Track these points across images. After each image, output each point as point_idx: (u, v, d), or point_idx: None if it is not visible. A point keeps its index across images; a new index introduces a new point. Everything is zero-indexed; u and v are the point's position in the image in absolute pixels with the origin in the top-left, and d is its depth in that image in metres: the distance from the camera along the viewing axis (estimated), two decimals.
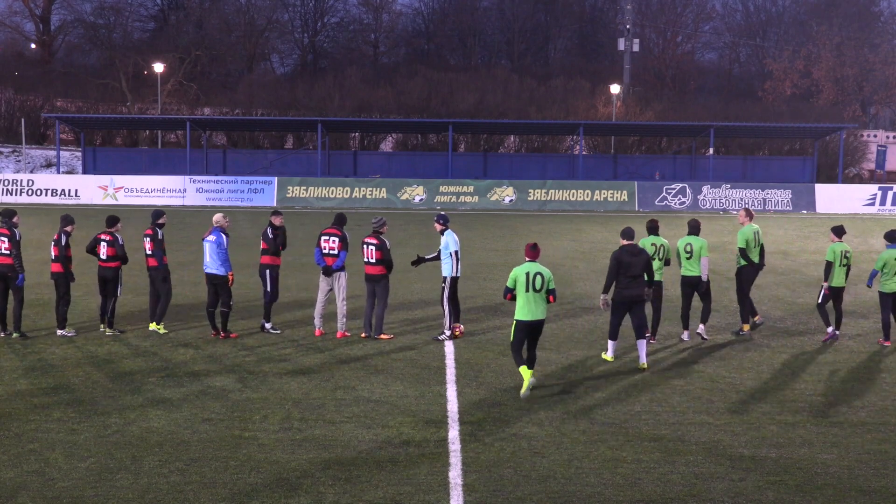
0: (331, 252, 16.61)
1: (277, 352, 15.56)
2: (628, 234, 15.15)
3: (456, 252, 16.38)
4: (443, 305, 16.56)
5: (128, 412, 12.11)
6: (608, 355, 15.45)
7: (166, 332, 16.94)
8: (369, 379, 13.87)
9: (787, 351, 16.13)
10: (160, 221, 17.04)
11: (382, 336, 16.66)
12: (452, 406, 12.53)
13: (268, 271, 17.09)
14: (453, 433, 11.41)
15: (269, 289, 17.09)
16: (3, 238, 16.34)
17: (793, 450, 11.04)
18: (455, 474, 10.10)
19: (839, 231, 17.37)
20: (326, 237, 16.65)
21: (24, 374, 13.98)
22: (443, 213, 17.24)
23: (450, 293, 16.50)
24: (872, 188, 50.93)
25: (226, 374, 14.05)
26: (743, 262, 17.24)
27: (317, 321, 17.00)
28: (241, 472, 10.10)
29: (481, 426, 11.69)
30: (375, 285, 16.59)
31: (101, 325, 17.03)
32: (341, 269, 16.69)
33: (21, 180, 50.43)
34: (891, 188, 50.11)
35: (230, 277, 16.67)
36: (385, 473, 10.09)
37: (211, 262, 16.67)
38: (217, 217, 17.01)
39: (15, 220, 16.69)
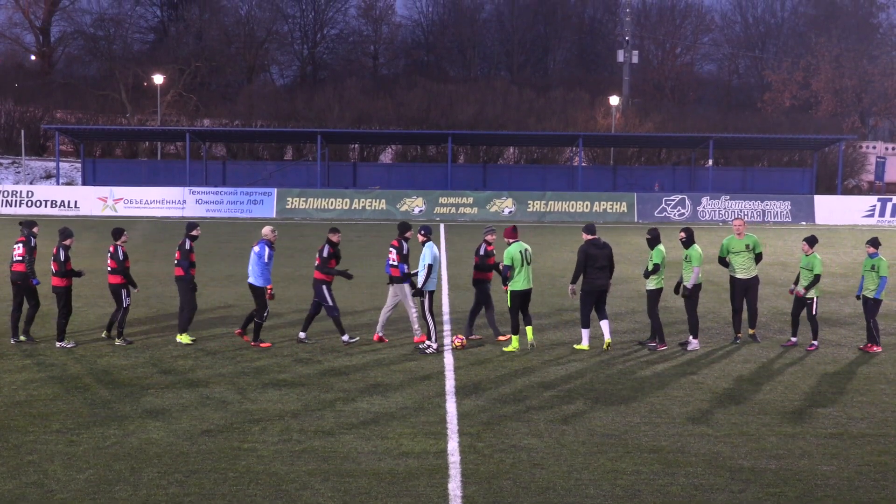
0: (392, 263, 16.88)
1: (277, 363, 15.55)
2: (591, 229, 16.80)
3: (430, 265, 16.42)
4: (424, 318, 16.62)
5: (127, 423, 12.10)
6: (584, 344, 16.69)
7: (190, 342, 16.98)
8: (368, 390, 13.86)
9: (787, 362, 16.12)
10: (193, 233, 17.18)
11: (500, 338, 17.40)
12: (452, 418, 12.52)
13: (323, 286, 17.15)
14: (452, 445, 11.40)
15: (331, 303, 17.13)
16: (18, 245, 16.94)
17: (792, 461, 11.03)
18: (454, 486, 10.08)
19: (814, 241, 17.40)
20: (391, 248, 17.00)
21: (23, 385, 13.97)
22: (426, 224, 17.37)
23: (430, 306, 16.56)
24: (872, 200, 50.97)
25: (225, 386, 14.04)
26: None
27: (378, 327, 17.42)
28: (240, 483, 10.09)
29: (480, 438, 11.68)
30: (476, 290, 17.52)
31: (104, 333, 17.11)
32: (402, 279, 16.92)
33: (21, 191, 50.44)
34: (890, 199, 50.15)
35: (268, 290, 16.82)
36: (384, 485, 10.08)
37: (250, 273, 16.89)
38: (265, 230, 17.24)
39: (35, 230, 17.26)
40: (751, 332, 17.78)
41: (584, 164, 59.40)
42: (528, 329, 16.75)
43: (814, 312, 17.18)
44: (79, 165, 61.63)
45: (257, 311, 16.84)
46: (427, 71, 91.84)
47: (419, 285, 16.52)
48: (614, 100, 71.40)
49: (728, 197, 50.37)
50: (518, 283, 16.46)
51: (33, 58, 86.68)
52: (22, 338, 16.91)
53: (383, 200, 50.10)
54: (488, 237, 17.56)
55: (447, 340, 17.21)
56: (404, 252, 16.85)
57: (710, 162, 54.73)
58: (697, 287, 17.12)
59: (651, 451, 11.31)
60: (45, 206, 49.71)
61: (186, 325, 17.12)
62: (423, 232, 16.81)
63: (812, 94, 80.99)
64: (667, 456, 11.13)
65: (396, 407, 13.01)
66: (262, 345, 16.81)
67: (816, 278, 17.02)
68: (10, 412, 12.57)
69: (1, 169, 65.21)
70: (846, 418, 12.81)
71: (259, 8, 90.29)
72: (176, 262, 17.09)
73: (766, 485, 10.27)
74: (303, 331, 17.38)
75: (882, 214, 49.44)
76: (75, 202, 49.77)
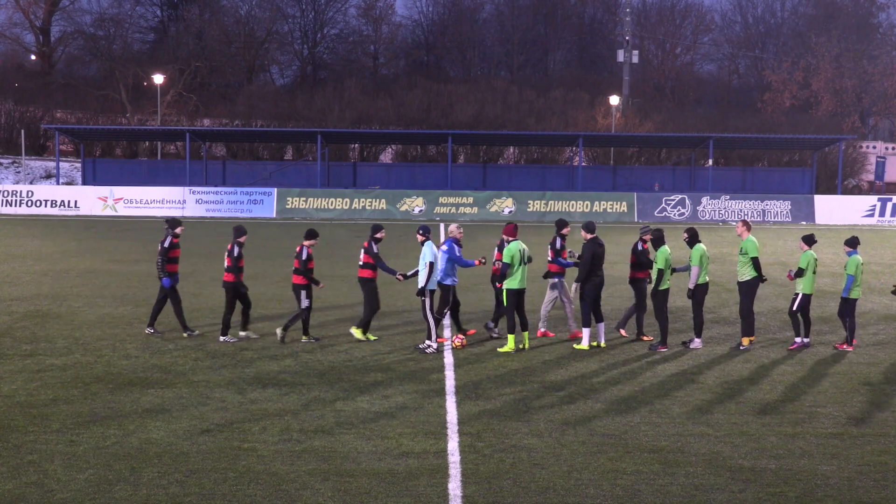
0: (549, 259, 17.69)
1: (277, 363, 15.54)
2: (592, 227, 17.21)
3: (431, 263, 16.48)
4: (426, 318, 16.62)
5: (127, 423, 12.09)
6: (583, 344, 16.80)
7: (375, 338, 17.30)
8: (368, 390, 13.85)
9: (787, 362, 16.12)
10: (377, 235, 17.29)
11: (644, 338, 17.73)
12: (452, 417, 12.52)
13: (497, 283, 17.47)
14: (452, 444, 11.39)
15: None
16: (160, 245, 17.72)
17: (793, 461, 11.02)
18: (454, 486, 10.08)
19: (810, 240, 17.40)
20: (549, 246, 17.80)
21: (23, 384, 13.96)
22: (425, 224, 17.46)
23: (430, 305, 16.57)
24: (872, 199, 51.00)
25: (225, 386, 14.03)
26: (754, 274, 17.21)
27: (541, 323, 18.05)
28: (241, 483, 10.08)
29: (481, 437, 11.68)
30: (634, 289, 17.82)
31: (278, 330, 17.30)
32: (560, 273, 17.64)
33: (21, 191, 50.45)
34: (890, 199, 50.18)
35: (477, 262, 17.29)
36: (384, 485, 10.07)
37: (439, 273, 17.12)
38: (451, 227, 17.52)
39: (178, 230, 17.70)
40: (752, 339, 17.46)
41: (584, 164, 59.41)
42: (525, 334, 16.85)
43: (794, 308, 17.20)
44: (79, 165, 61.66)
45: (441, 308, 17.26)
46: (427, 71, 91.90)
47: (420, 285, 16.53)
48: (614, 100, 71.42)
49: (728, 197, 50.38)
50: (515, 281, 16.59)
51: (33, 58, 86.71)
52: (185, 333, 17.49)
53: (383, 200, 50.12)
54: (646, 237, 17.65)
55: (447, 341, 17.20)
56: (557, 247, 17.60)
57: (710, 162, 54.75)
58: (704, 287, 17.08)
59: (651, 451, 11.30)
60: (45, 206, 49.71)
61: (366, 323, 17.38)
62: (421, 232, 16.85)
63: (812, 94, 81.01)
64: (667, 456, 11.12)
65: (396, 407, 13.00)
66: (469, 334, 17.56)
67: (799, 271, 17.10)
68: (10, 412, 12.56)
69: (1, 169, 65.21)
70: (846, 418, 12.80)
71: (259, 8, 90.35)
72: (361, 264, 17.24)
73: (766, 485, 10.27)
74: (493, 322, 17.95)
75: (882, 214, 49.45)
76: (75, 202, 49.77)
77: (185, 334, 17.46)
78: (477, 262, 17.27)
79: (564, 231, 17.81)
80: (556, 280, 17.81)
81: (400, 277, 17.49)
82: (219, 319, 18.21)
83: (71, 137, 61.63)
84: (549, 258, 17.76)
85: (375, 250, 17.16)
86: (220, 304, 19.86)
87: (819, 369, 15.61)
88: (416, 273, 17.03)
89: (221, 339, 17.12)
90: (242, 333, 17.37)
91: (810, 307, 17.42)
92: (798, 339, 17.28)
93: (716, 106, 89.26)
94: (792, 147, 62.43)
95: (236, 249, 17.03)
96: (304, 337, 17.18)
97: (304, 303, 16.99)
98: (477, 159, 66.92)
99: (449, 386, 14.16)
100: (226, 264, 17.18)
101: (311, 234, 17.15)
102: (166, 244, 17.39)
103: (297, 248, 17.08)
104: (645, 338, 17.75)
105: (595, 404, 13.27)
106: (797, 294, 17.19)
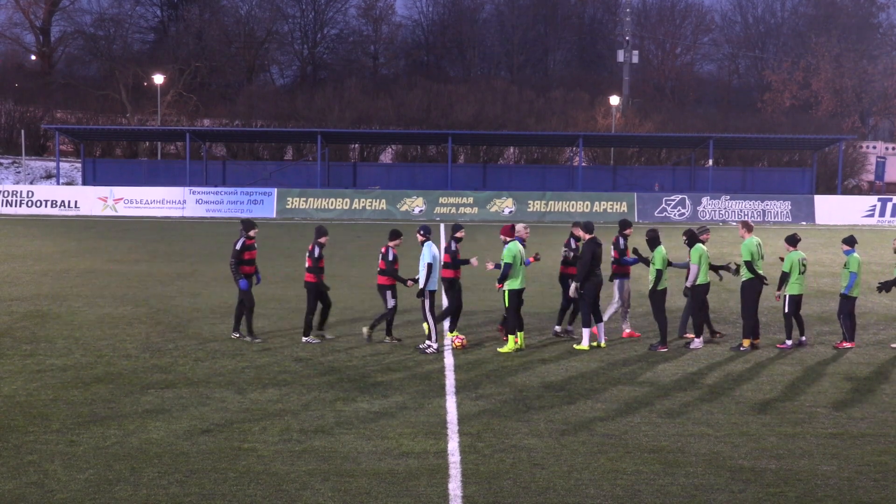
0: (613, 260, 17.80)
1: (277, 363, 15.54)
2: (590, 227, 17.27)
3: (429, 264, 16.47)
4: (426, 318, 16.62)
5: (127, 423, 12.09)
6: (584, 344, 16.81)
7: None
8: (369, 390, 13.85)
9: (787, 362, 16.12)
10: (458, 235, 17.41)
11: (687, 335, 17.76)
12: (452, 417, 12.51)
13: (570, 280, 17.66)
14: (453, 445, 11.39)
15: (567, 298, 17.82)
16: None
17: (793, 461, 11.02)
18: (455, 486, 10.08)
19: (793, 240, 17.44)
20: (611, 245, 17.97)
21: (23, 385, 13.95)
22: (426, 224, 17.40)
23: (431, 305, 16.56)
24: (872, 199, 51.01)
25: (225, 386, 14.03)
26: (748, 276, 17.17)
27: (624, 325, 18.25)
28: (241, 483, 10.08)
29: (481, 437, 11.67)
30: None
31: (364, 329, 17.36)
32: (620, 274, 17.81)
33: (21, 191, 50.46)
34: (890, 199, 50.18)
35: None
36: (384, 485, 10.07)
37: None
38: (518, 227, 17.70)
39: (251, 232, 17.35)
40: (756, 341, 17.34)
41: (584, 164, 59.41)
42: (520, 334, 16.80)
43: (785, 310, 17.23)
44: (79, 165, 61.67)
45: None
46: (427, 71, 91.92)
47: (420, 286, 16.54)
48: (614, 100, 71.44)
49: (728, 197, 50.39)
50: (516, 282, 16.63)
51: (33, 58, 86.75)
52: (248, 337, 17.28)
53: (383, 200, 50.12)
54: (703, 237, 17.54)
55: (447, 340, 17.20)
56: (622, 247, 17.70)
57: (710, 162, 54.75)
58: (704, 287, 17.07)
59: (651, 451, 11.30)
60: (46, 206, 49.71)
61: (455, 322, 17.60)
62: (421, 232, 16.85)
63: (812, 94, 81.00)
64: (667, 456, 11.12)
65: (396, 407, 13.00)
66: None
67: (783, 275, 17.17)
68: (10, 412, 12.55)
69: (1, 169, 65.21)
70: (846, 418, 12.80)
71: (259, 8, 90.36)
72: (443, 264, 17.26)
73: (766, 485, 10.27)
74: (559, 324, 18.10)
75: (882, 214, 49.46)
76: (75, 202, 49.78)
77: (242, 336, 17.29)
78: (498, 285, 17.04)
79: (627, 231, 17.86)
80: (619, 280, 17.87)
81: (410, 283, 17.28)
82: (218, 320, 18.21)
83: (71, 137, 61.64)
84: (613, 258, 17.77)
85: (454, 248, 17.18)
86: (220, 305, 19.89)
87: (819, 369, 15.61)
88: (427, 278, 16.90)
89: (304, 339, 17.09)
90: (320, 335, 17.35)
91: (801, 307, 17.44)
92: (788, 342, 17.27)
93: (716, 106, 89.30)
94: (792, 147, 62.44)
95: (317, 250, 16.96)
96: (387, 337, 17.17)
97: (391, 303, 16.99)
98: (477, 159, 66.93)
99: (449, 386, 14.16)
100: (306, 264, 17.13)
101: (396, 235, 17.13)
102: (238, 246, 17.18)
103: (383, 249, 17.01)
104: (718, 334, 17.85)
105: (595, 404, 13.27)
106: (785, 296, 17.24)
